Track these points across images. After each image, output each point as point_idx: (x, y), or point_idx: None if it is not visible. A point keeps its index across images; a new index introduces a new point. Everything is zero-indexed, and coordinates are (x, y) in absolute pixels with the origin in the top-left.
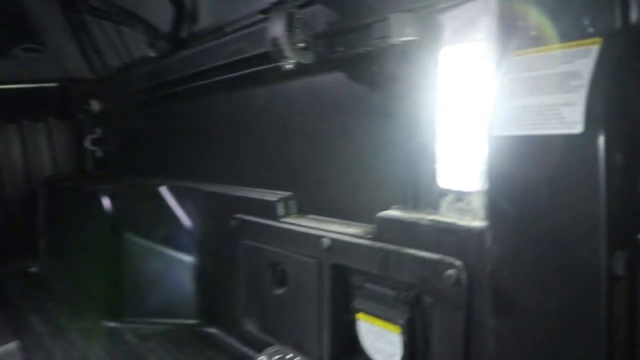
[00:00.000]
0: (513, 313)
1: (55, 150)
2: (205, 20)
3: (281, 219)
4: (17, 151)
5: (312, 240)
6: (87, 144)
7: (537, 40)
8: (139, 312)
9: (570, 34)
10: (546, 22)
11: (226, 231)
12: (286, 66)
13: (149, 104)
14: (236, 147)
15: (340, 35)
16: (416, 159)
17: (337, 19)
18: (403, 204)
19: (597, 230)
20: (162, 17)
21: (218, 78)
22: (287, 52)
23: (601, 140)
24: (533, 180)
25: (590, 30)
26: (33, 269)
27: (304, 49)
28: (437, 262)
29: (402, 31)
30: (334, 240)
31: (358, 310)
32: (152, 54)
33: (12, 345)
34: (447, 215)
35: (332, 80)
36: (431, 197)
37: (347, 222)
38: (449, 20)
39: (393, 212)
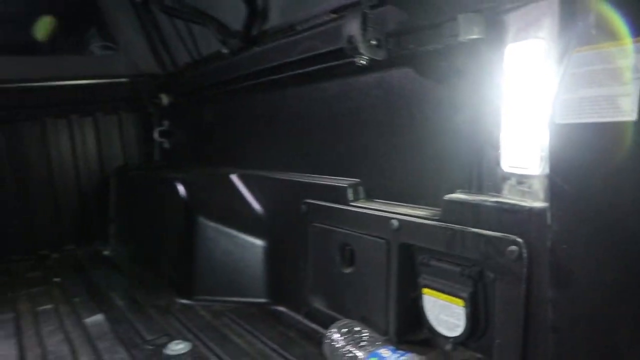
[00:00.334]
0: (571, 285)
1: (125, 141)
2: (275, 18)
3: (351, 203)
4: (91, 142)
5: (381, 222)
6: (156, 135)
7: (596, 39)
8: (210, 290)
9: (626, 32)
10: (604, 22)
11: (295, 215)
12: (360, 62)
13: (219, 98)
14: (306, 137)
15: (410, 33)
16: (480, 146)
17: (406, 18)
18: (466, 188)
19: None
20: (234, 15)
21: (289, 73)
22: (362, 49)
23: None
24: (591, 163)
25: None
26: (106, 252)
27: (377, 46)
28: (500, 239)
29: (469, 30)
30: (402, 222)
31: (424, 286)
32: (224, 50)
33: (100, 317)
34: (509, 197)
35: (402, 74)
36: (494, 181)
37: (413, 205)
38: (513, 20)
39: (459, 195)
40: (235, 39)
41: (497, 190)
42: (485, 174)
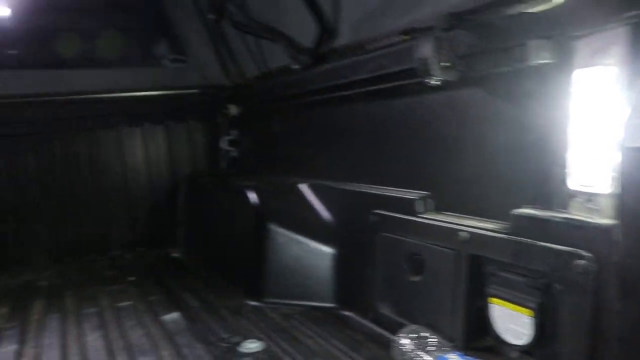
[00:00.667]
0: (637, 296)
1: (194, 149)
2: (345, 37)
3: (420, 215)
4: (163, 149)
5: (450, 233)
6: (223, 144)
7: None
8: (279, 293)
9: None
10: None
11: (364, 224)
12: (431, 82)
13: (287, 110)
14: (373, 151)
15: (481, 56)
16: (548, 165)
17: (477, 41)
18: (533, 203)
19: None
20: (303, 32)
21: (358, 90)
22: (434, 70)
23: None
24: None
25: None
26: (175, 254)
27: (449, 67)
28: (568, 253)
29: (539, 55)
30: (472, 234)
31: (491, 295)
32: (293, 66)
33: (176, 315)
34: (577, 214)
35: (472, 94)
36: (561, 198)
37: (480, 218)
38: (582, 46)
39: (528, 210)
40: (305, 56)
41: (564, 207)
42: (552, 191)
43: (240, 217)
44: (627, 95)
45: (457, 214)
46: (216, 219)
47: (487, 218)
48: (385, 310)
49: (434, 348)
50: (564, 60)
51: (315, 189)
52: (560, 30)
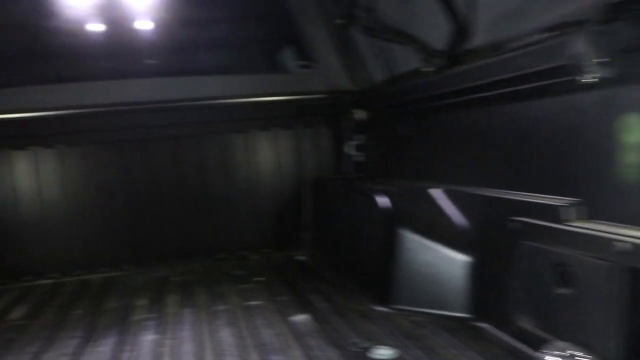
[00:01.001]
0: None
1: (320, 153)
2: (482, 37)
3: (569, 223)
4: (290, 153)
5: (605, 243)
6: (348, 149)
7: None
8: (409, 300)
9: None
10: None
11: (502, 232)
12: (586, 80)
13: (417, 114)
14: (513, 154)
15: None
16: None
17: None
18: None
19: None
20: (434, 34)
21: (496, 91)
22: (590, 67)
23: None
24: None
25: None
26: (300, 257)
27: (607, 63)
28: None
29: None
30: (635, 245)
31: None
32: (426, 68)
33: (306, 316)
34: None
35: (634, 92)
36: None
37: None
38: None
39: None
40: (439, 58)
41: None
42: None
43: (369, 221)
44: None
45: (613, 223)
46: (343, 223)
47: None
48: (526, 324)
49: None
50: None
51: (448, 194)
52: None
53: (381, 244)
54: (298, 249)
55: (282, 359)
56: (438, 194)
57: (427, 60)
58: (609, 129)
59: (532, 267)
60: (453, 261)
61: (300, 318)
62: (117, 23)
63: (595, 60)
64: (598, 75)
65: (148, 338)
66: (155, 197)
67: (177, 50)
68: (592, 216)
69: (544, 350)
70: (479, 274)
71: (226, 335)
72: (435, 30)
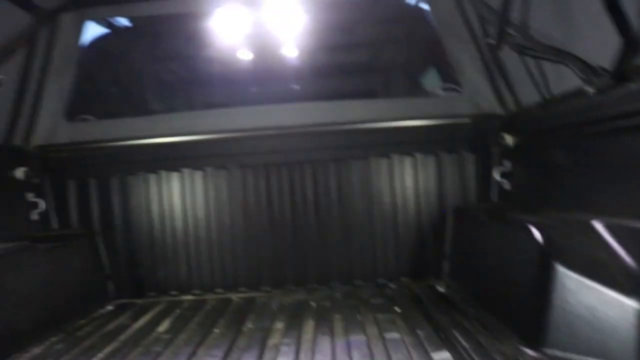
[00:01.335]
0: None
1: (464, 180)
2: None
3: None
4: (432, 179)
5: None
6: (496, 175)
7: None
8: (564, 345)
9: None
10: None
11: None
12: None
13: (575, 139)
14: None
15: None
16: None
17: None
18: None
19: None
20: (596, 51)
21: None
22: None
23: None
24: None
25: None
26: (440, 288)
27: None
28: None
29: None
30: None
31: None
32: (587, 89)
33: (447, 354)
34: None
35: None
36: None
37: None
38: None
39: None
40: (602, 76)
41: None
42: None
43: (520, 254)
44: None
45: None
46: (489, 254)
47: None
48: None
49: None
50: None
51: (613, 228)
52: None
53: (535, 280)
54: (438, 279)
55: None
56: (603, 229)
57: (587, 79)
58: None
59: None
60: (620, 306)
61: (441, 356)
62: (264, 51)
63: None
64: None
65: None
66: (296, 220)
67: (320, 75)
68: None
69: None
70: None
71: None
72: (598, 46)
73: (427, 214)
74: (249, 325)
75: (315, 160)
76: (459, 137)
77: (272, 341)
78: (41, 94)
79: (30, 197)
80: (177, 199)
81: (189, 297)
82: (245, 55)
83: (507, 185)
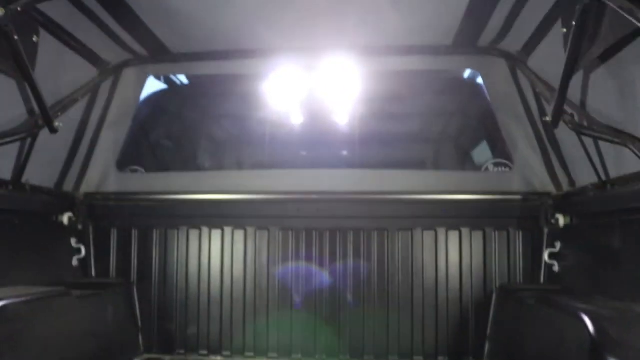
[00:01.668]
0: None
1: (511, 259)
2: None
3: None
4: (478, 256)
5: None
6: (546, 257)
7: None
8: None
9: None
10: None
11: None
12: None
13: (633, 224)
14: None
15: None
16: None
17: None
18: None
19: None
20: None
21: None
22: None
23: None
24: None
25: None
26: None
27: None
28: None
29: None
30: None
31: None
32: None
33: None
34: None
35: None
36: None
37: None
38: None
39: None
40: None
41: None
42: None
43: (569, 344)
44: None
45: None
46: (533, 339)
47: None
48: None
49: None
50: None
51: None
52: None
53: None
54: None
55: None
56: None
57: None
58: None
59: None
60: None
61: None
62: (316, 115)
63: None
64: None
65: None
66: (334, 288)
67: (370, 143)
68: None
69: None
70: None
71: None
72: None
73: (470, 291)
74: None
75: (358, 228)
76: (508, 214)
77: None
78: (96, 143)
79: (73, 242)
80: (216, 257)
81: (218, 358)
82: (297, 119)
83: (556, 267)
